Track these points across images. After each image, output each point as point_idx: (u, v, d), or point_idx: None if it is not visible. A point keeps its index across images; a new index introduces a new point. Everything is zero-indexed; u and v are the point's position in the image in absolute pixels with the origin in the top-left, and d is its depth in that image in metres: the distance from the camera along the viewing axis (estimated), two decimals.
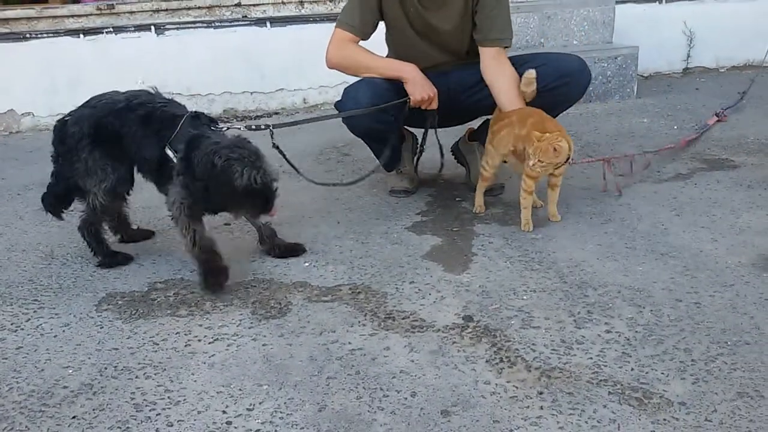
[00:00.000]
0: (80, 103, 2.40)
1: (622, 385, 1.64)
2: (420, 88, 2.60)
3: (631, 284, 2.11)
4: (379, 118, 2.66)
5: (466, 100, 2.78)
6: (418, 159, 3.00)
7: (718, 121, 3.82)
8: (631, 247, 2.36)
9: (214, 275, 2.19)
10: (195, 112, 2.33)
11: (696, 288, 2.07)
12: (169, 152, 2.20)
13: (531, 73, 2.53)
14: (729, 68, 5.18)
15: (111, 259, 2.43)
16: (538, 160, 2.38)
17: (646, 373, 1.68)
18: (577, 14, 4.64)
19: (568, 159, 2.42)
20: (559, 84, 2.59)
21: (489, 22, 2.66)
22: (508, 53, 2.72)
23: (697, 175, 3.02)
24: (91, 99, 2.39)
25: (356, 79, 2.72)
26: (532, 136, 2.37)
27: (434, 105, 2.65)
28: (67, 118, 2.38)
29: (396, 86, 2.65)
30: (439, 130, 2.80)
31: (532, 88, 2.56)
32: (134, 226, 2.65)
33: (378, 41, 2.80)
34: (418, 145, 2.96)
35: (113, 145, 2.27)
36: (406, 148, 3.02)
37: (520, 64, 2.64)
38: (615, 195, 2.81)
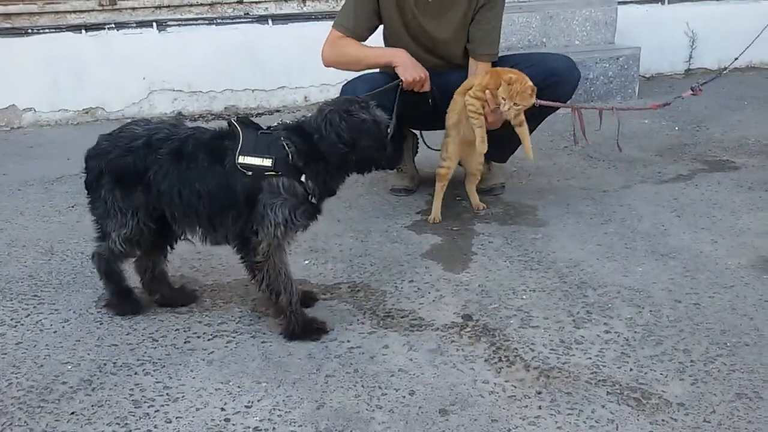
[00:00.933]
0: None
1: (620, 385, 1.64)
2: (411, 70, 2.60)
3: (631, 285, 2.11)
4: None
5: None
6: (414, 155, 3.05)
7: (692, 94, 3.83)
8: (630, 248, 2.36)
9: (308, 330, 1.91)
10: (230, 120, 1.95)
11: (696, 289, 2.07)
12: (257, 159, 1.82)
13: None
14: (731, 70, 5.17)
15: (120, 304, 2.07)
16: (514, 104, 2.42)
17: (645, 373, 1.68)
18: (579, 14, 4.64)
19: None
20: (548, 84, 2.58)
21: (482, 35, 2.70)
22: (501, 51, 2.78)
23: (697, 177, 3.02)
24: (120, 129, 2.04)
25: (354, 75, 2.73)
26: (496, 80, 2.42)
27: (426, 87, 2.65)
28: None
29: (392, 78, 2.65)
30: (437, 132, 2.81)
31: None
32: (176, 286, 2.18)
33: (377, 41, 2.80)
34: (418, 143, 2.99)
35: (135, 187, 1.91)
36: (407, 147, 3.04)
37: (510, 65, 2.64)
38: (583, 145, 2.78)
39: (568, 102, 2.75)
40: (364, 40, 2.73)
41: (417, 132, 3.06)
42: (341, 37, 2.70)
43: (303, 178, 1.85)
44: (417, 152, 3.09)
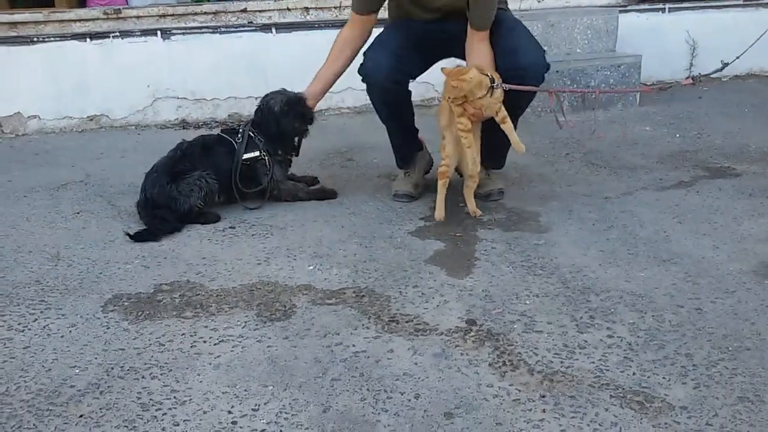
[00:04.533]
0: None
1: (623, 389, 1.66)
2: None
3: (633, 290, 2.13)
4: (398, 77, 2.77)
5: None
6: (426, 172, 3.14)
7: (692, 84, 3.86)
8: (633, 254, 2.38)
9: (328, 195, 3.06)
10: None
11: (697, 294, 2.09)
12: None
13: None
14: (731, 77, 5.20)
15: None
16: (448, 97, 2.52)
17: (648, 377, 1.70)
18: (580, 22, 4.67)
19: (489, 90, 2.49)
20: (513, 77, 2.59)
21: (480, 6, 2.66)
22: None
23: (699, 183, 3.04)
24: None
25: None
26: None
27: None
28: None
29: (404, 35, 2.81)
30: None
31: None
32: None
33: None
34: (431, 163, 3.17)
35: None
36: (420, 157, 3.11)
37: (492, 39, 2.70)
38: (565, 129, 2.81)
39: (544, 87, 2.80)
40: (374, 7, 2.85)
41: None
42: (353, 21, 2.87)
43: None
44: (429, 171, 3.16)
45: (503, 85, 2.54)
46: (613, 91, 3.18)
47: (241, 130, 2.96)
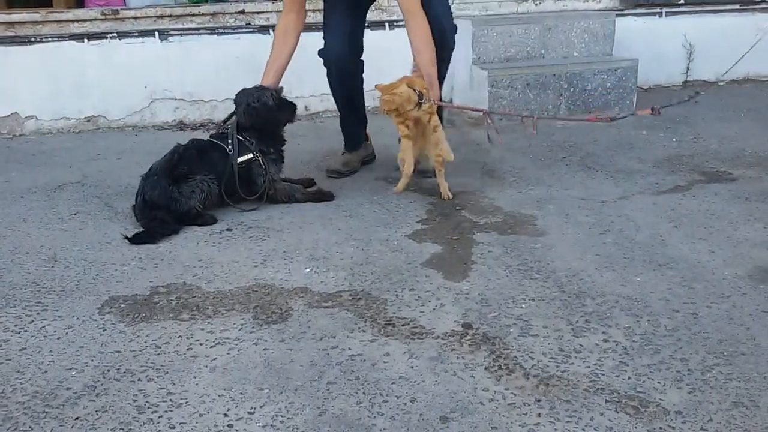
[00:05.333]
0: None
1: (619, 393, 1.66)
2: None
3: (629, 294, 2.13)
4: (354, 57, 3.20)
5: None
6: (364, 162, 3.53)
7: (651, 113, 3.91)
8: (629, 258, 2.38)
9: (325, 197, 3.06)
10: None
11: (693, 299, 2.09)
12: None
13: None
14: (728, 82, 5.22)
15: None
16: (384, 110, 2.83)
17: (643, 381, 1.70)
18: (577, 26, 4.68)
19: (418, 103, 2.80)
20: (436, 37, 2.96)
21: None
22: None
23: (695, 188, 3.05)
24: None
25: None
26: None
27: None
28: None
29: (353, 15, 3.21)
30: None
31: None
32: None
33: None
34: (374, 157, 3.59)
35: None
36: (365, 148, 3.52)
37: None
38: (492, 145, 3.18)
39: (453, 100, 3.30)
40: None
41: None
42: (285, 9, 3.20)
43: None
44: (368, 162, 3.55)
45: (433, 101, 2.85)
46: (552, 117, 3.55)
47: (229, 136, 2.95)
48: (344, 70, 3.22)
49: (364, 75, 3.34)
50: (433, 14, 3.00)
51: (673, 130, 4.00)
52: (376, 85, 2.90)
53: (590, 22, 4.70)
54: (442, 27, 3.04)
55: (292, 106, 3.07)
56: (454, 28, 3.16)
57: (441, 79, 3.09)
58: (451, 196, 2.98)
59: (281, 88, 3.09)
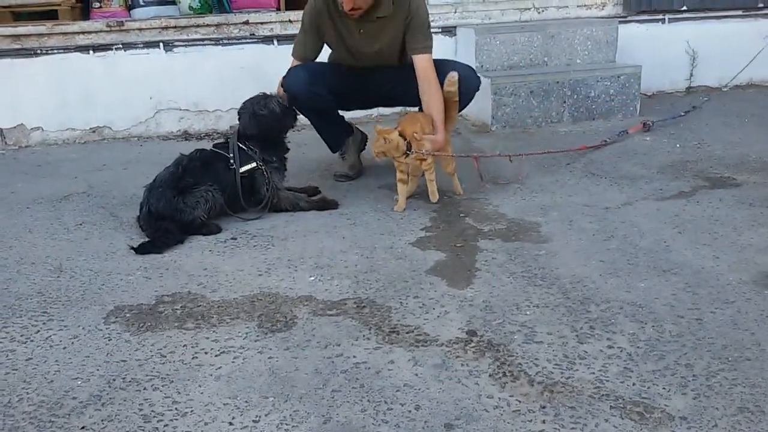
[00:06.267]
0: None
1: (623, 399, 1.66)
2: None
3: (633, 300, 2.13)
4: (316, 95, 3.20)
5: (387, 93, 3.39)
6: (361, 151, 3.61)
7: (644, 129, 3.96)
8: (633, 264, 2.38)
9: (329, 205, 3.07)
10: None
11: (697, 304, 2.09)
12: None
13: (453, 76, 3.02)
14: (732, 87, 5.22)
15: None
16: (375, 151, 2.92)
17: (648, 387, 1.70)
18: (580, 33, 4.69)
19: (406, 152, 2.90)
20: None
21: (414, 37, 3.13)
22: None
23: (699, 193, 3.04)
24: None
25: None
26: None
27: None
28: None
29: (333, 65, 3.36)
30: None
31: (455, 88, 3.03)
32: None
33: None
34: (366, 140, 3.61)
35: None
36: (353, 141, 3.54)
37: None
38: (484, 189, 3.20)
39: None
40: (315, 59, 3.35)
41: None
42: (295, 62, 3.30)
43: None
44: (364, 149, 3.62)
45: (423, 152, 2.91)
46: (540, 153, 3.64)
47: (231, 145, 2.97)
48: (306, 99, 3.22)
49: None
50: (460, 72, 3.11)
51: (677, 136, 4.00)
52: (374, 127, 2.96)
53: (593, 29, 4.71)
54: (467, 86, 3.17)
55: (294, 112, 3.11)
56: (478, 82, 3.29)
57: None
58: (404, 207, 3.02)
59: (284, 95, 3.12)
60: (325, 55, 3.42)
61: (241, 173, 2.93)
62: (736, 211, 2.81)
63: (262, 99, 3.01)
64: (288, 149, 3.13)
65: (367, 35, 3.17)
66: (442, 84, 3.05)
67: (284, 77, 3.23)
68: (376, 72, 3.29)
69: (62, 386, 1.81)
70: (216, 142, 3.17)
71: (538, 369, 1.80)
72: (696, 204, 2.92)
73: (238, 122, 3.06)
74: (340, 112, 3.50)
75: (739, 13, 5.21)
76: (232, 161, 2.92)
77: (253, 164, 2.96)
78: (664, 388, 1.69)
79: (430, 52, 3.14)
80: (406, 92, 3.21)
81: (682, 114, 4.11)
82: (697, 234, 2.61)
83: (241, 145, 2.96)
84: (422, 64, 3.10)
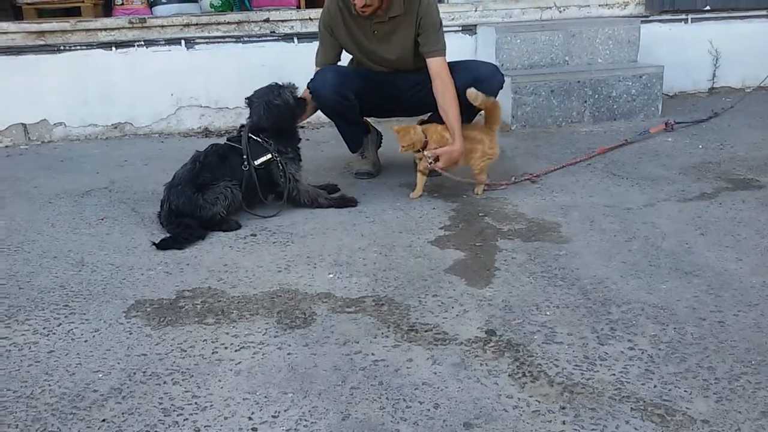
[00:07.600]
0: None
1: (644, 401, 1.64)
2: None
3: (655, 302, 2.11)
4: (343, 99, 3.20)
5: (409, 98, 3.36)
6: (378, 147, 3.66)
7: (665, 130, 3.91)
8: (655, 265, 2.36)
9: (348, 203, 3.07)
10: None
11: (720, 307, 2.07)
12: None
13: (471, 92, 3.00)
14: (755, 88, 5.16)
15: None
16: (401, 146, 3.02)
17: (669, 390, 1.68)
18: (602, 33, 4.66)
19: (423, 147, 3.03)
20: (474, 85, 3.05)
21: (427, 41, 3.16)
22: None
23: (722, 195, 3.01)
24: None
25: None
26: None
27: None
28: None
29: (359, 70, 3.32)
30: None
31: (478, 101, 3.02)
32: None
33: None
34: (382, 138, 3.69)
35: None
36: (371, 140, 3.59)
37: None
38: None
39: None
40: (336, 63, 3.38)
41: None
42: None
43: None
44: (380, 146, 3.67)
45: (425, 153, 3.03)
46: (542, 173, 3.54)
47: (243, 138, 2.95)
48: (333, 102, 3.24)
49: None
50: (481, 71, 3.24)
51: (699, 137, 3.96)
52: (392, 127, 3.02)
53: (615, 28, 4.68)
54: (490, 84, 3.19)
55: (304, 102, 3.12)
56: (495, 80, 3.27)
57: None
58: (420, 194, 3.15)
59: (295, 86, 3.08)
60: (344, 62, 3.47)
61: (257, 166, 2.91)
62: (760, 213, 2.77)
63: (276, 89, 2.99)
64: (300, 139, 3.13)
65: (381, 36, 3.19)
66: (457, 88, 3.07)
67: (312, 80, 3.24)
68: (398, 78, 3.32)
69: (83, 379, 1.83)
70: (230, 135, 3.16)
71: (558, 370, 1.79)
72: (719, 206, 2.88)
73: (249, 112, 3.04)
74: None
75: (764, 13, 5.15)
76: (245, 154, 2.92)
77: (269, 155, 2.94)
78: (685, 391, 1.68)
79: (444, 54, 3.16)
80: (427, 96, 3.19)
81: (706, 119, 4.07)
82: (720, 236, 2.58)
83: (255, 137, 2.95)
84: (436, 66, 3.13)
